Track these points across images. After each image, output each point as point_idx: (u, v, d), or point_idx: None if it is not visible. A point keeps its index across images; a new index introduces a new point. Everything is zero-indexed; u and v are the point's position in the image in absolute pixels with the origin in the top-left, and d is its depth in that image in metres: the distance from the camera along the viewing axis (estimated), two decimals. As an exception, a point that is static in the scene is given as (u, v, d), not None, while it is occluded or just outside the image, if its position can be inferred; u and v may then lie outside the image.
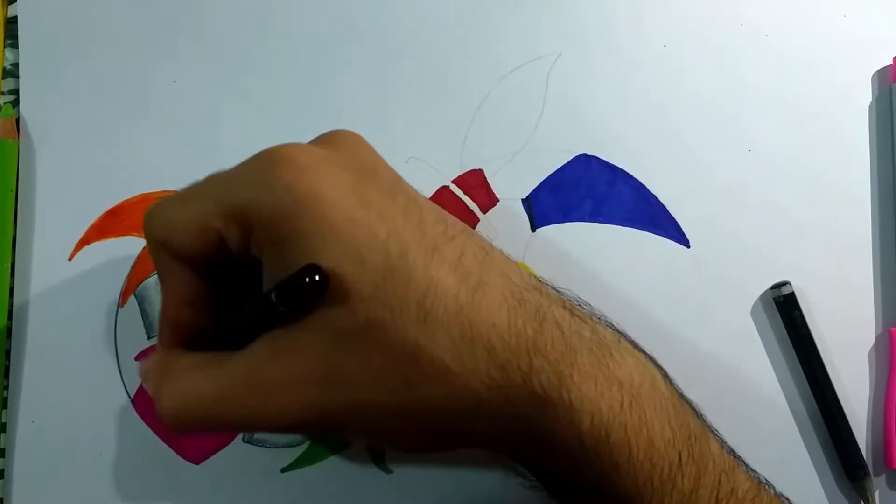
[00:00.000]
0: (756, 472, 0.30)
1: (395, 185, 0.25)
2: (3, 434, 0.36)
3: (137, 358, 0.37)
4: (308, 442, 0.37)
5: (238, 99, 0.38)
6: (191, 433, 0.35)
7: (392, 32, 0.38)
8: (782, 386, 0.38)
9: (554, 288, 0.27)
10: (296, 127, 0.38)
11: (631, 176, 0.38)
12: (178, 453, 0.36)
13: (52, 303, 0.37)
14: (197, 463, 0.36)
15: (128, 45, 0.38)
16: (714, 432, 0.29)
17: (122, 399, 0.36)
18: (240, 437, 0.37)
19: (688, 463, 0.26)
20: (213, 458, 0.36)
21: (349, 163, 0.25)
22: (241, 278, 0.26)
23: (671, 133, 0.38)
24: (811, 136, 0.38)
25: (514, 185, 0.38)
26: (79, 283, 0.37)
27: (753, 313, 0.38)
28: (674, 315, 0.38)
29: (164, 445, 0.36)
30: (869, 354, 0.38)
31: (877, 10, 0.39)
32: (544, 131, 0.38)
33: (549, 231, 0.38)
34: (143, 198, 0.37)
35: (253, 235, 0.24)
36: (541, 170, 0.38)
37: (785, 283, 0.37)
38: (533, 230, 0.38)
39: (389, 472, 0.37)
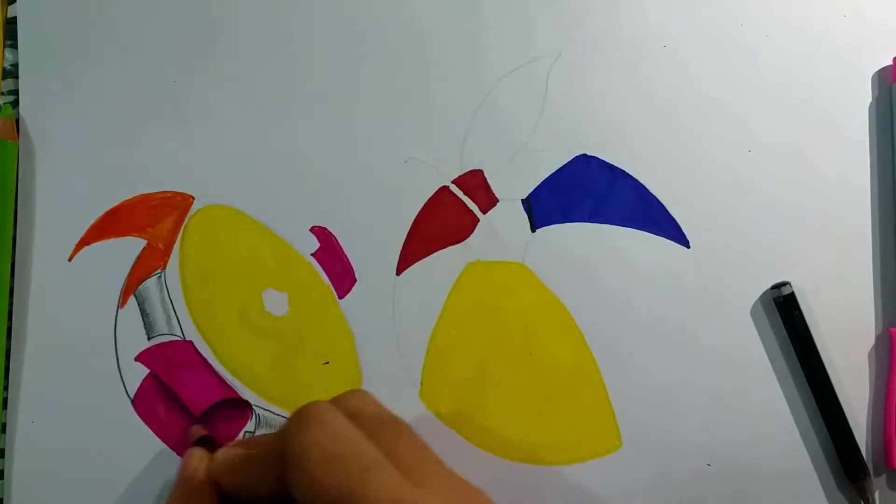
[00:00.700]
0: None
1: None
2: (2, 434, 0.36)
3: (137, 359, 0.37)
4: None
5: (238, 99, 0.38)
6: None
7: (392, 34, 0.38)
8: (782, 386, 0.38)
9: None
10: (295, 128, 0.38)
11: (630, 176, 0.38)
12: (178, 454, 0.36)
13: (52, 303, 0.37)
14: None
15: (127, 46, 0.38)
16: None
17: (122, 399, 0.36)
18: (240, 437, 0.37)
19: None
20: (212, 458, 0.37)
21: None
22: None
23: (671, 133, 0.38)
24: (811, 136, 0.38)
25: (513, 185, 0.38)
26: (79, 283, 0.37)
27: (753, 313, 0.38)
28: (674, 315, 0.38)
29: (164, 446, 0.36)
30: (869, 355, 0.38)
31: (877, 11, 0.39)
32: (544, 132, 0.38)
33: (549, 231, 0.38)
34: (143, 198, 0.37)
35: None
36: (540, 170, 0.38)
37: (785, 284, 0.37)
38: (533, 230, 0.38)
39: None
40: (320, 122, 0.38)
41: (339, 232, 0.37)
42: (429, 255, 0.38)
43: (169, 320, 0.37)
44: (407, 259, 0.37)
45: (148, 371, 0.37)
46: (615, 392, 0.37)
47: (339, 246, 0.37)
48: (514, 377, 0.37)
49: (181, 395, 0.36)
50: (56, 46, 0.38)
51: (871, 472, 0.37)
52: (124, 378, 0.37)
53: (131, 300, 0.37)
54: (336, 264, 0.37)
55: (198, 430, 0.35)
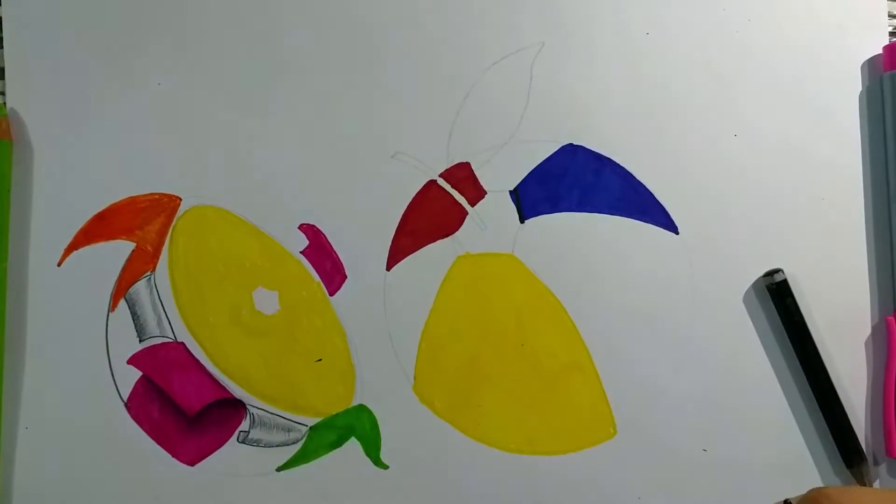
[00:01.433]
0: None
1: None
2: (-4, 441, 0.36)
3: (130, 361, 0.37)
4: (303, 440, 0.37)
5: (223, 99, 0.38)
6: None
7: (375, 29, 0.38)
8: (777, 373, 0.38)
9: None
10: (281, 126, 0.38)
11: (618, 164, 0.38)
12: (173, 455, 0.36)
13: (43, 309, 0.37)
14: (192, 465, 0.36)
15: (112, 49, 0.38)
16: None
17: (116, 402, 0.36)
18: (234, 437, 0.37)
19: None
20: (208, 459, 0.37)
21: None
22: None
23: (657, 120, 0.38)
24: (799, 121, 0.38)
25: (501, 177, 0.38)
26: (69, 288, 0.37)
27: (746, 301, 0.38)
28: (665, 303, 0.38)
29: (158, 447, 0.36)
30: (866, 343, 0.38)
31: (861, -2, 0.39)
32: (530, 122, 0.38)
33: (538, 222, 0.38)
34: (131, 200, 0.37)
35: None
36: (528, 161, 0.38)
37: (778, 271, 0.37)
38: (521, 221, 0.38)
39: (385, 466, 0.37)
40: (306, 120, 0.38)
41: (328, 229, 0.37)
42: (418, 249, 0.38)
43: (160, 322, 0.37)
44: (397, 254, 0.37)
45: (140, 373, 0.37)
46: (608, 380, 0.37)
47: (329, 243, 0.37)
48: (507, 368, 0.37)
49: (174, 397, 0.36)
50: (40, 50, 0.38)
51: (871, 461, 0.37)
52: (117, 381, 0.37)
53: (122, 303, 0.37)
54: (326, 261, 0.37)
55: None
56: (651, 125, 0.38)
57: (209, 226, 0.37)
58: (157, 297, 0.37)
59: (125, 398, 0.36)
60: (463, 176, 0.38)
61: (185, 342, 0.37)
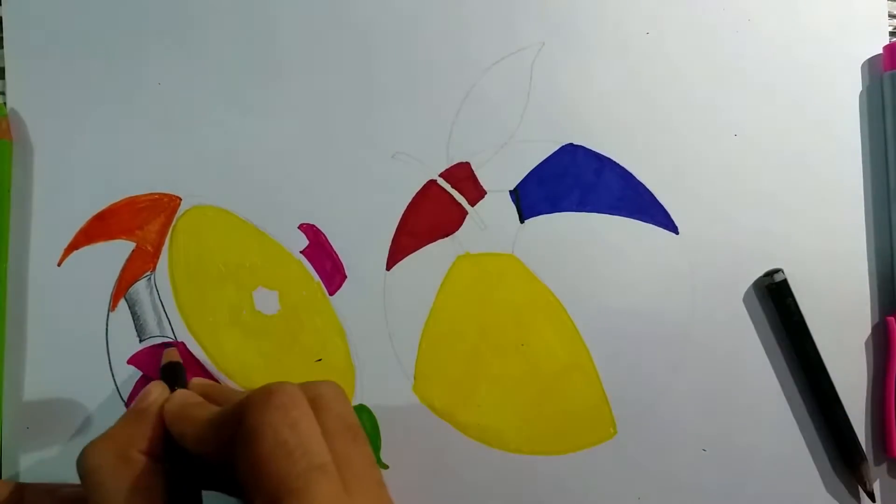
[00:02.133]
0: None
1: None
2: (-4, 441, 0.36)
3: (130, 361, 0.37)
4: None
5: (223, 99, 0.38)
6: None
7: (375, 29, 0.38)
8: (777, 374, 0.38)
9: None
10: (281, 126, 0.38)
11: (617, 164, 0.38)
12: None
13: (43, 309, 0.37)
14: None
15: (112, 48, 0.38)
16: None
17: (116, 402, 0.36)
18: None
19: None
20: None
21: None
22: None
23: (657, 120, 0.38)
24: (799, 120, 0.38)
25: (501, 176, 0.38)
26: (69, 287, 0.37)
27: (746, 301, 0.38)
28: (665, 303, 0.38)
29: (159, 447, 0.36)
30: (866, 343, 0.38)
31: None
32: (530, 122, 0.38)
33: (538, 222, 0.38)
34: (130, 200, 0.37)
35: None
36: (527, 161, 0.38)
37: (777, 271, 0.37)
38: (521, 221, 0.38)
39: (385, 466, 0.37)
40: (306, 120, 0.38)
41: (328, 228, 0.37)
42: (418, 249, 0.38)
43: (160, 322, 0.37)
44: (397, 254, 0.37)
45: (141, 373, 0.37)
46: (609, 380, 0.37)
47: (329, 242, 0.37)
48: (507, 368, 0.37)
49: (174, 397, 0.36)
50: (41, 49, 0.38)
51: (871, 461, 0.37)
52: (117, 381, 0.37)
53: (122, 303, 0.37)
54: (326, 261, 0.37)
55: (171, 355, 0.35)
56: (651, 125, 0.38)
57: (209, 226, 0.37)
58: (157, 296, 0.37)
59: (125, 398, 0.36)
60: (463, 176, 0.38)
61: (185, 342, 0.37)
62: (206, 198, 0.37)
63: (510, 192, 0.38)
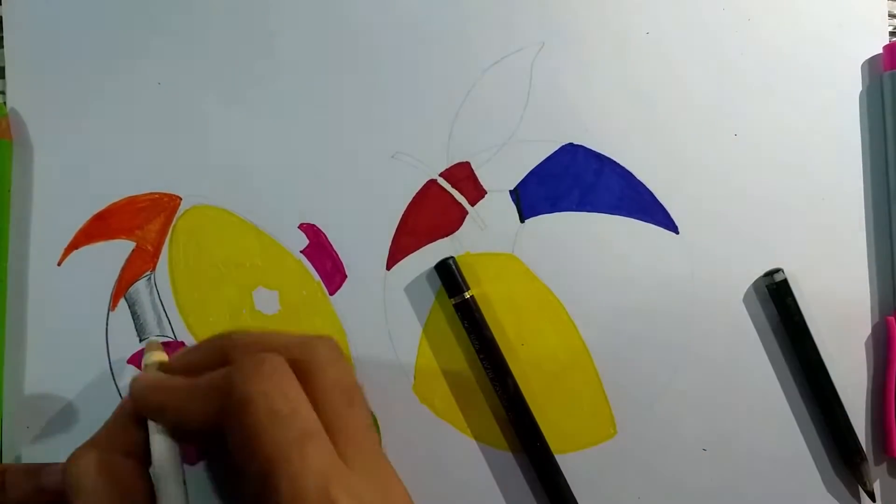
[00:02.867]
0: None
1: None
2: (-4, 440, 0.36)
3: (130, 361, 0.37)
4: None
5: (223, 99, 0.38)
6: None
7: (375, 29, 0.38)
8: (777, 373, 0.38)
9: None
10: (281, 126, 0.38)
11: (618, 164, 0.38)
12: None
13: (43, 309, 0.37)
14: (192, 464, 0.36)
15: (112, 49, 0.38)
16: None
17: (115, 401, 0.36)
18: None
19: None
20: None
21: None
22: None
23: (657, 120, 0.38)
24: (799, 121, 0.38)
25: (501, 176, 0.38)
26: (69, 287, 0.37)
27: (746, 300, 0.38)
28: (665, 302, 0.38)
29: (159, 447, 0.36)
30: (866, 343, 0.38)
31: (865, -3, 0.39)
32: (530, 122, 0.38)
33: (538, 221, 0.38)
34: (130, 200, 0.37)
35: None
36: (527, 161, 0.38)
37: (778, 271, 0.37)
38: (521, 221, 0.38)
39: (385, 467, 0.37)
40: (306, 120, 0.38)
41: (328, 228, 0.37)
42: (418, 248, 0.38)
43: (160, 322, 0.37)
44: (397, 254, 0.37)
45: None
46: (608, 380, 0.37)
47: (329, 242, 0.37)
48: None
49: (174, 397, 0.36)
50: (41, 49, 0.38)
51: (871, 461, 0.37)
52: (117, 380, 0.37)
53: (122, 303, 0.37)
54: (326, 261, 0.37)
55: (154, 347, 0.33)
56: (651, 125, 0.38)
57: (209, 225, 0.37)
58: (157, 296, 0.37)
59: (125, 397, 0.36)
60: (463, 175, 0.38)
61: (185, 341, 0.37)
62: (206, 198, 0.37)
63: (510, 191, 0.38)
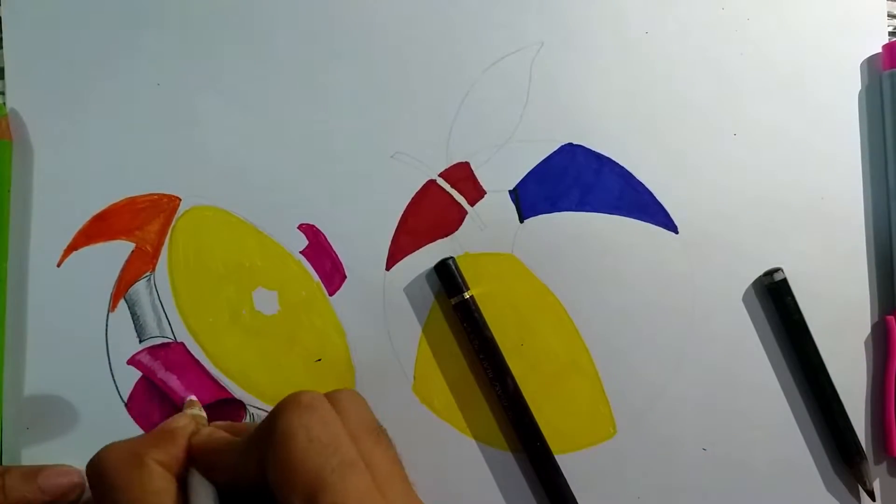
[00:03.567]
0: None
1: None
2: (-4, 441, 0.36)
3: (130, 362, 0.37)
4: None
5: (222, 99, 0.38)
6: None
7: (374, 28, 0.38)
8: (776, 372, 0.38)
9: None
10: (280, 126, 0.38)
11: (617, 164, 0.38)
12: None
13: (43, 309, 0.37)
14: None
15: (112, 49, 0.38)
16: None
17: (116, 403, 0.36)
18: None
19: None
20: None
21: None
22: None
23: (656, 119, 0.38)
24: (799, 120, 0.38)
25: (500, 176, 0.38)
26: (68, 288, 0.37)
27: (746, 300, 0.38)
28: (665, 302, 0.38)
29: (159, 448, 0.36)
30: (866, 343, 0.38)
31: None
32: (529, 122, 0.38)
33: (538, 221, 0.38)
34: (130, 201, 0.37)
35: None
36: (527, 161, 0.38)
37: (777, 270, 0.37)
38: (521, 221, 0.38)
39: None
40: (305, 120, 0.38)
41: (328, 229, 0.37)
42: (418, 249, 0.38)
43: (160, 322, 0.37)
44: (396, 254, 0.37)
45: (140, 374, 0.37)
46: (608, 380, 0.37)
47: (328, 243, 0.37)
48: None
49: (174, 397, 0.36)
50: (41, 49, 0.38)
51: (871, 460, 0.37)
52: (117, 381, 0.37)
53: (122, 304, 0.37)
54: (325, 261, 0.37)
55: (194, 405, 0.34)
56: (651, 125, 0.38)
57: (209, 226, 0.37)
58: (156, 297, 0.37)
59: (125, 398, 0.36)
60: (462, 176, 0.38)
61: (185, 342, 0.37)
62: (205, 198, 0.37)
63: (510, 191, 0.38)
